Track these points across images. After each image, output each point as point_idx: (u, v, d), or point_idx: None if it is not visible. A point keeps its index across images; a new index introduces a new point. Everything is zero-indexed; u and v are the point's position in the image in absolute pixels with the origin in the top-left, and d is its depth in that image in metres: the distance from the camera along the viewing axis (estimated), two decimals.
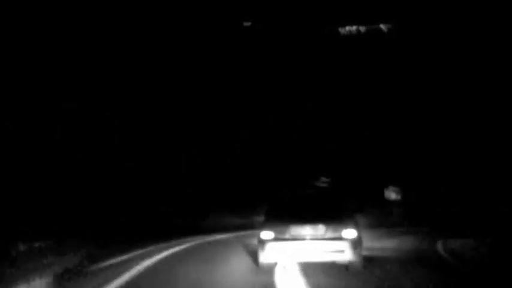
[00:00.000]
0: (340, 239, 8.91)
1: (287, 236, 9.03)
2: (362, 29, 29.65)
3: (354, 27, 29.81)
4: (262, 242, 9.14)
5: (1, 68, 19.01)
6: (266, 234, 9.13)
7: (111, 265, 10.34)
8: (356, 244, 8.97)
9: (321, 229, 9.03)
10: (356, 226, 9.32)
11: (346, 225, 8.99)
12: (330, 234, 8.98)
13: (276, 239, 9.05)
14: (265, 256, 9.10)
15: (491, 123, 16.30)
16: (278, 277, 8.87)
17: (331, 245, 8.90)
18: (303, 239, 9.00)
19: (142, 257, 11.05)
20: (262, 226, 9.31)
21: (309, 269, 9.37)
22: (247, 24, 29.43)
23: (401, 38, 26.12)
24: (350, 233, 8.97)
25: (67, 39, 22.53)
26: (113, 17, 27.04)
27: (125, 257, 11.36)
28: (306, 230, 9.05)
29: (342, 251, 8.85)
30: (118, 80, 28.32)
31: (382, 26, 29.04)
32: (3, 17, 19.18)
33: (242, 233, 18.40)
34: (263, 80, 34.28)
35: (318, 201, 10.24)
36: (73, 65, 23.97)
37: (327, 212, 9.49)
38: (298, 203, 10.17)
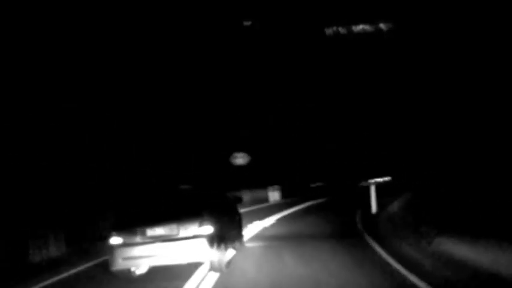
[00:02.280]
0: (195, 237, 8.35)
1: (138, 239, 8.44)
2: (362, 28, 29.61)
3: (354, 27, 29.79)
4: (111, 248, 8.44)
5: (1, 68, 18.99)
6: (114, 239, 8.48)
7: None
8: (213, 241, 8.43)
9: (173, 229, 8.43)
10: (216, 222, 8.71)
11: (202, 222, 8.43)
12: (183, 233, 8.40)
13: (125, 244, 8.42)
14: (116, 263, 8.40)
15: (492, 123, 16.28)
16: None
17: (185, 244, 8.34)
18: (155, 242, 8.39)
19: None
20: (111, 230, 8.62)
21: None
22: (247, 23, 29.37)
23: (402, 37, 26.08)
24: (206, 229, 8.43)
25: (67, 39, 22.49)
26: (112, 17, 27.00)
27: None
28: (158, 231, 8.47)
29: (198, 250, 8.30)
30: (117, 80, 28.28)
31: (382, 26, 28.99)
32: (3, 17, 19.15)
33: None
34: (263, 80, 34.25)
35: (171, 199, 9.51)
36: (72, 65, 23.95)
37: (181, 210, 8.86)
38: (150, 203, 9.48)
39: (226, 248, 9.23)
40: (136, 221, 8.70)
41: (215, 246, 8.48)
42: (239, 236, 11.25)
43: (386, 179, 26.35)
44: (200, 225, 8.42)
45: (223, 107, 41.38)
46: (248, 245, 11.93)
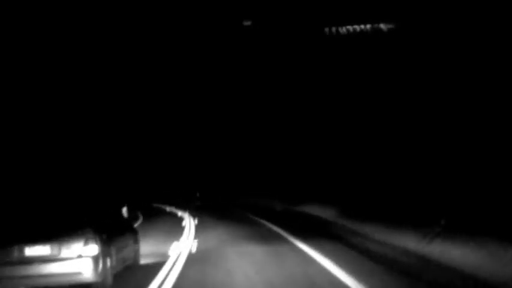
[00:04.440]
0: (79, 257, 7.83)
1: (15, 258, 7.77)
2: (362, 28, 29.56)
3: (354, 27, 29.73)
4: None
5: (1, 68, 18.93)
6: None
7: None
8: (99, 261, 7.91)
9: (55, 248, 7.83)
10: (104, 240, 8.16)
11: (88, 241, 7.89)
12: (66, 253, 7.83)
13: (0, 263, 7.75)
14: None
15: (493, 124, 16.22)
16: None
17: (65, 266, 7.76)
18: (34, 262, 7.73)
19: None
20: None
21: None
22: (247, 23, 29.32)
23: (402, 37, 26.03)
24: (92, 249, 7.92)
25: (67, 40, 22.43)
26: (112, 17, 26.93)
27: None
28: (38, 250, 7.82)
29: (82, 272, 7.77)
30: (117, 80, 28.20)
31: (382, 26, 28.91)
32: (3, 17, 19.09)
33: None
34: (263, 80, 34.19)
35: (55, 214, 8.84)
36: (71, 65, 23.86)
37: (65, 226, 8.26)
38: (31, 218, 8.74)
39: (115, 268, 8.73)
40: (13, 237, 8.06)
41: (101, 267, 7.94)
42: (134, 253, 10.70)
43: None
44: (85, 244, 7.89)
45: (222, 106, 41.29)
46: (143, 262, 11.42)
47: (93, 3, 24.99)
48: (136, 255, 10.90)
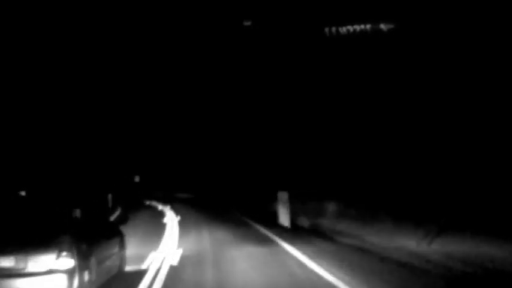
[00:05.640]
0: (50, 272, 6.67)
1: None
2: (362, 28, 29.59)
3: (354, 27, 29.77)
4: None
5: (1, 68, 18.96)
6: None
7: None
8: (74, 276, 6.77)
9: (20, 260, 6.66)
10: (81, 250, 7.02)
11: (61, 253, 6.75)
12: (34, 267, 6.66)
13: None
14: None
15: (494, 125, 16.25)
16: None
17: (33, 282, 6.63)
18: None
19: None
20: None
21: None
22: (247, 24, 29.36)
23: (402, 37, 26.09)
24: (66, 262, 6.74)
25: (67, 40, 22.47)
26: (112, 17, 26.97)
27: None
28: (1, 263, 6.70)
29: None
30: (117, 80, 28.23)
31: (382, 26, 28.98)
32: (3, 17, 19.13)
33: None
34: (263, 80, 34.23)
35: (21, 220, 7.62)
36: (71, 65, 23.90)
37: (33, 234, 7.12)
38: None
39: (95, 282, 7.59)
40: None
41: (77, 284, 6.78)
42: (120, 261, 9.56)
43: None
44: (58, 256, 6.69)
45: (222, 106, 41.37)
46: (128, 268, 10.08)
47: (93, 3, 25.05)
48: (122, 262, 9.72)
